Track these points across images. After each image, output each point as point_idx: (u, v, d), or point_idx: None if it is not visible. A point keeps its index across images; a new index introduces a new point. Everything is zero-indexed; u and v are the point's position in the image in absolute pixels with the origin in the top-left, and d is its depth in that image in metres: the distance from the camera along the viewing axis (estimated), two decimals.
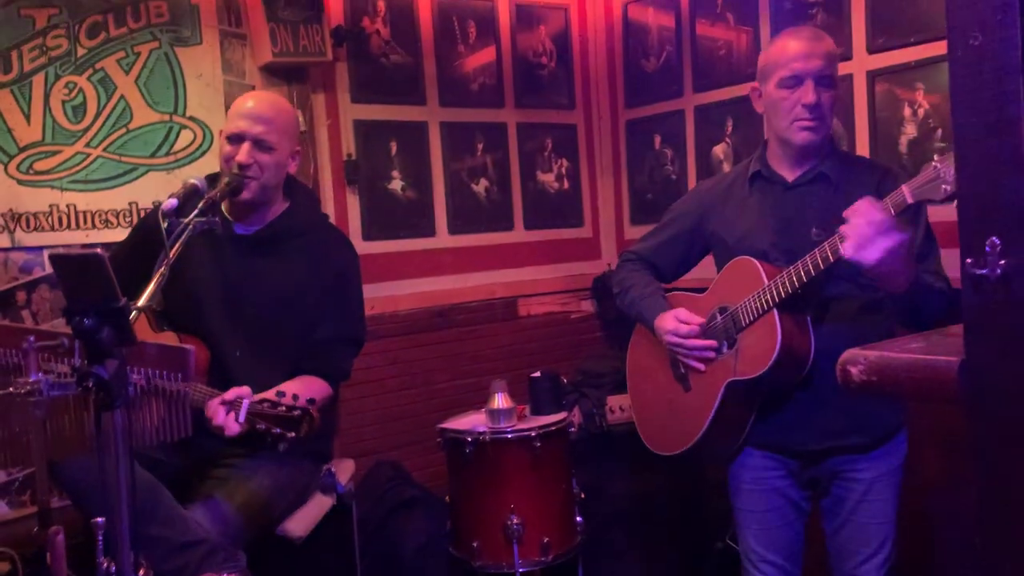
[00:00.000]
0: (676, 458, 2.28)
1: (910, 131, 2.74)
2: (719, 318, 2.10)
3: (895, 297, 1.84)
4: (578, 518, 2.70)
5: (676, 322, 2.15)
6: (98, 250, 1.35)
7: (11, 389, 1.52)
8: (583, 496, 2.73)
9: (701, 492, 3.07)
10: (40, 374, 1.54)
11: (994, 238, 0.96)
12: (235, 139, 2.18)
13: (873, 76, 2.81)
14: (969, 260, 0.96)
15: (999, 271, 0.91)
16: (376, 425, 3.24)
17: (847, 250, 1.74)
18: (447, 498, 2.71)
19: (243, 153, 2.16)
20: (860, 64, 2.84)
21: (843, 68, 2.85)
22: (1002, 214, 0.98)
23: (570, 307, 3.78)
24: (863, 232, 1.71)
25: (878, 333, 1.93)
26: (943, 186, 1.61)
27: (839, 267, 1.85)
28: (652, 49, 3.63)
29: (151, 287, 1.62)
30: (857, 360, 1.23)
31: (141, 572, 1.62)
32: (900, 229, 1.73)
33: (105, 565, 1.59)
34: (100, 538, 1.61)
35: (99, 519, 1.61)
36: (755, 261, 2.02)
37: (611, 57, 3.82)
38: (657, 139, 3.65)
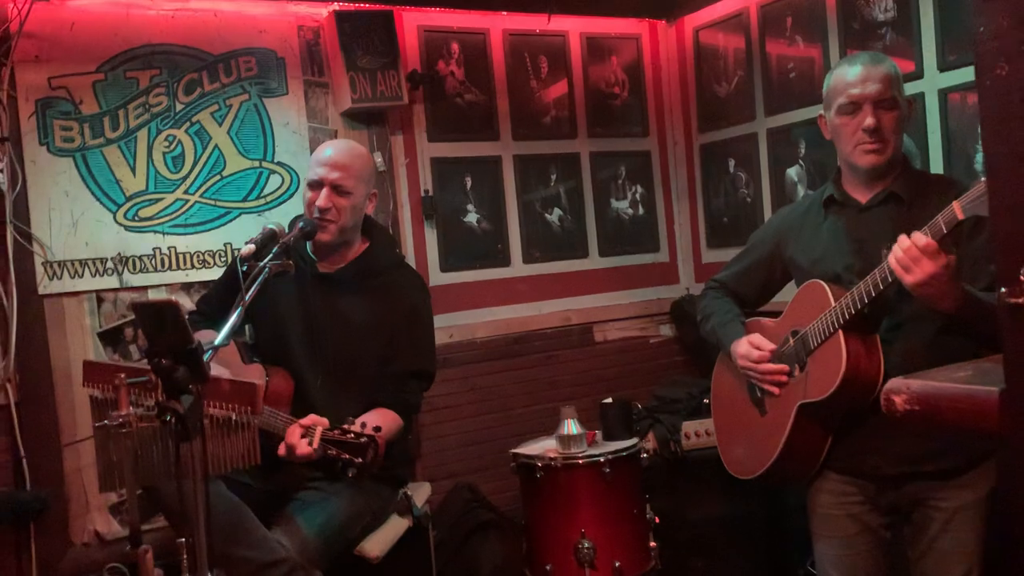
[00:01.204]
0: (755, 482, 2.30)
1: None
2: (791, 342, 2.13)
3: (949, 316, 1.83)
4: (652, 543, 2.73)
5: (749, 347, 2.21)
6: (174, 298, 1.51)
7: (106, 421, 1.70)
8: (657, 521, 2.75)
9: (781, 517, 3.03)
10: (130, 408, 1.72)
11: None
12: (315, 185, 2.37)
13: (945, 93, 2.75)
14: (1004, 289, 0.98)
15: None
16: (455, 449, 3.35)
17: (895, 269, 1.76)
18: (522, 522, 2.79)
19: (322, 198, 2.34)
20: (932, 82, 2.79)
21: (914, 86, 2.81)
22: None
23: (648, 332, 3.81)
24: (909, 254, 1.74)
25: (958, 354, 1.90)
26: None
27: (902, 289, 1.85)
28: (724, 73, 3.64)
29: (227, 328, 1.78)
30: (901, 390, 1.24)
31: None
32: (944, 252, 1.73)
33: None
34: (184, 556, 1.77)
35: (182, 539, 1.77)
36: (823, 284, 2.04)
37: (684, 83, 3.86)
38: (731, 162, 3.65)
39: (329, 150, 2.43)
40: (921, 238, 1.74)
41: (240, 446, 1.81)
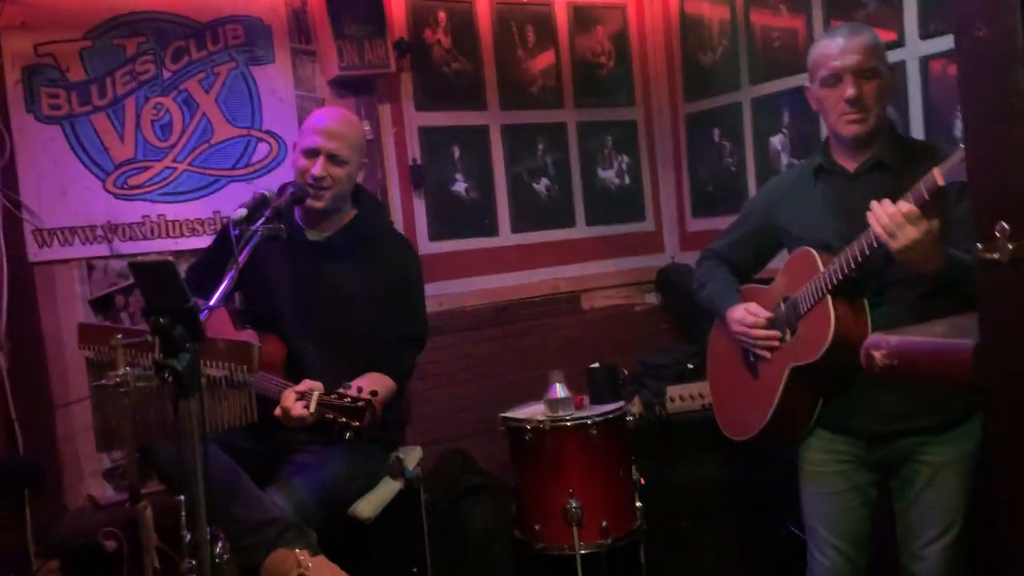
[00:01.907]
0: (750, 443, 2.36)
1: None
2: (782, 307, 2.18)
3: (935, 278, 1.88)
4: (638, 503, 2.80)
5: (744, 313, 2.26)
6: (169, 258, 1.54)
7: (103, 381, 1.73)
8: (643, 482, 2.81)
9: (764, 480, 3.10)
10: (127, 368, 1.75)
11: (1003, 223, 1.02)
12: (311, 153, 2.38)
13: (926, 61, 2.79)
14: (980, 245, 1.02)
15: (1008, 255, 0.95)
16: (446, 415, 3.40)
17: (880, 234, 1.81)
18: (511, 484, 2.84)
19: (319, 167, 2.35)
20: (913, 49, 2.83)
21: (896, 54, 2.85)
22: (1010, 199, 1.02)
23: (634, 300, 3.86)
24: (894, 219, 1.79)
25: (942, 315, 1.95)
26: None
27: (887, 254, 1.90)
28: (709, 42, 3.66)
29: (221, 289, 1.81)
30: (880, 345, 1.28)
31: (219, 544, 1.82)
32: (927, 218, 1.78)
33: (188, 537, 1.79)
34: (183, 513, 1.81)
35: (181, 496, 1.81)
36: (812, 251, 2.09)
37: (669, 52, 3.88)
38: (716, 132, 3.68)
39: (324, 118, 2.44)
40: (904, 205, 1.79)
41: (237, 405, 1.84)
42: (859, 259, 1.92)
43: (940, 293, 1.94)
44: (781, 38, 3.34)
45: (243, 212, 2.05)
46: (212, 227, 2.97)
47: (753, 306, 2.26)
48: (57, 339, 2.75)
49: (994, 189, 0.99)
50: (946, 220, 1.87)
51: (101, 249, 2.83)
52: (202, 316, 1.63)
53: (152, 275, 1.54)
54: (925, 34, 2.79)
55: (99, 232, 2.82)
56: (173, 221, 2.92)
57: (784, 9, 3.30)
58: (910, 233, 1.78)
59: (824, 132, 2.27)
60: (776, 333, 2.19)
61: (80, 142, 2.80)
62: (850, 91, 2.01)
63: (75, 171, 2.79)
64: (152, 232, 2.89)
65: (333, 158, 2.38)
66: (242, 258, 1.90)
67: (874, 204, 1.84)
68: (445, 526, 2.94)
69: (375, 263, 2.49)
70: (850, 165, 2.12)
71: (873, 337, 1.31)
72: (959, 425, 2.06)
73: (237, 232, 1.99)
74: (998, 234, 0.96)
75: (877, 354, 1.28)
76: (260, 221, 2.02)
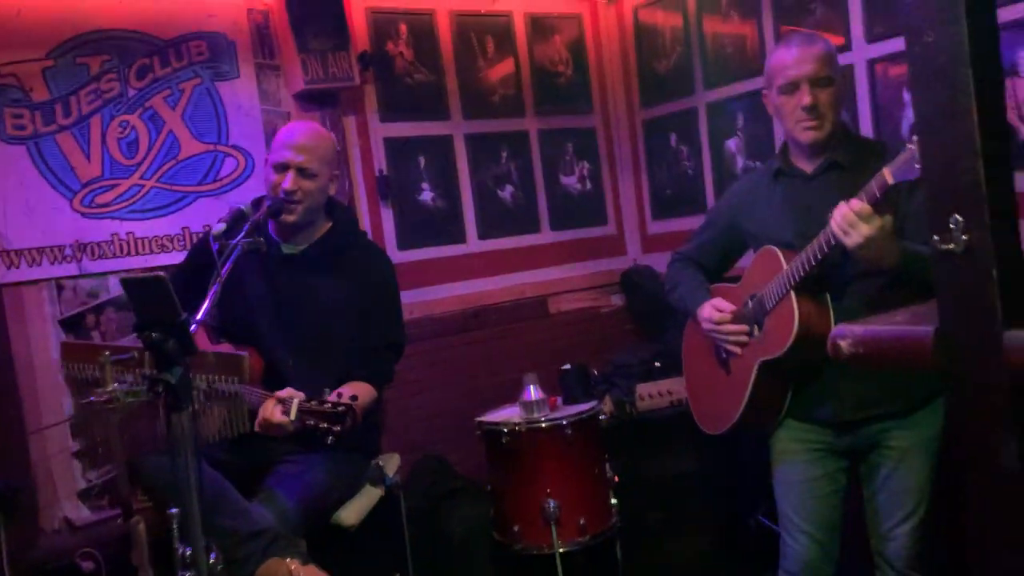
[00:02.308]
0: (711, 439, 2.44)
1: (910, 115, 2.85)
2: (749, 304, 2.27)
3: (892, 272, 1.98)
4: (613, 500, 2.86)
5: (712, 310, 2.34)
6: (161, 273, 1.56)
7: (92, 399, 1.74)
8: (617, 479, 2.88)
9: (733, 472, 3.20)
10: (115, 384, 1.77)
11: (956, 215, 1.10)
12: (280, 168, 2.41)
13: (872, 64, 2.92)
14: (936, 237, 1.10)
15: (962, 246, 1.00)
16: (420, 422, 3.43)
17: (836, 232, 1.91)
18: (488, 487, 2.89)
19: (289, 181, 2.38)
20: (860, 53, 2.96)
21: (844, 58, 2.97)
22: (961, 193, 1.10)
23: (600, 302, 3.94)
24: (847, 218, 1.88)
25: (901, 306, 2.04)
26: (916, 165, 1.75)
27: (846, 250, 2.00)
28: (664, 50, 3.77)
29: (206, 303, 1.83)
30: (845, 335, 1.35)
31: (212, 556, 1.83)
32: (879, 215, 1.88)
33: (181, 550, 1.81)
34: (175, 526, 1.83)
35: (173, 509, 1.82)
36: (776, 250, 2.18)
37: (625, 60, 3.98)
38: (673, 137, 3.79)
39: (293, 133, 2.47)
40: (856, 203, 1.89)
41: (228, 415, 1.87)
42: (818, 256, 2.01)
43: (898, 285, 2.04)
44: (733, 44, 3.45)
45: (222, 227, 2.08)
46: (182, 243, 2.97)
47: (719, 301, 2.35)
48: (28, 361, 2.73)
49: (947, 184, 1.04)
50: (899, 216, 1.98)
51: (70, 269, 2.81)
52: (192, 330, 1.65)
53: (144, 291, 1.57)
54: (871, 38, 2.92)
55: (67, 251, 2.81)
56: (142, 238, 2.92)
57: (735, 16, 3.42)
58: (863, 230, 1.87)
59: (779, 135, 2.36)
60: (744, 328, 2.27)
61: (46, 162, 2.78)
62: (806, 99, 2.11)
63: (41, 191, 2.78)
64: (121, 250, 2.88)
65: (303, 171, 2.41)
66: (224, 271, 1.92)
67: (840, 204, 1.92)
68: (425, 531, 2.98)
69: (351, 273, 2.52)
70: (807, 167, 2.22)
71: (839, 327, 1.37)
72: (921, 410, 2.16)
73: (217, 246, 2.01)
74: (952, 226, 1.01)
75: (843, 343, 1.34)
76: (240, 235, 2.04)
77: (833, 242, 1.96)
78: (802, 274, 2.06)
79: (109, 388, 1.73)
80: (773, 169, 2.30)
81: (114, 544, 2.79)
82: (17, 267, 2.73)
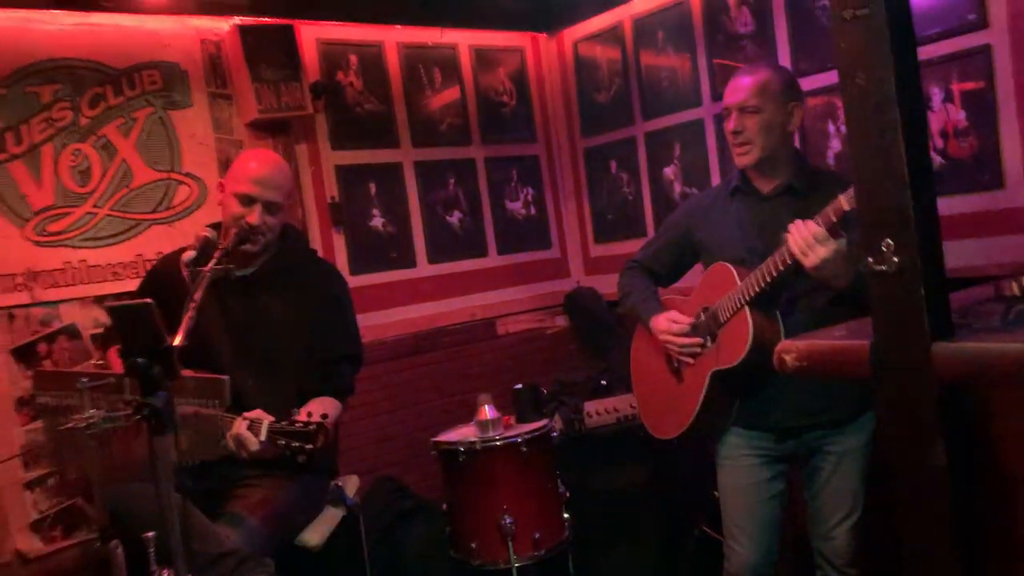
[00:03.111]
0: (656, 454, 2.56)
1: (835, 145, 3.07)
2: (703, 317, 2.40)
3: (844, 291, 2.09)
4: (565, 514, 2.96)
5: (668, 322, 2.47)
6: (148, 300, 1.61)
7: (71, 425, 1.77)
8: (568, 495, 2.99)
9: (677, 484, 3.33)
10: (94, 409, 1.79)
11: (888, 240, 1.22)
12: (247, 201, 2.42)
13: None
14: (871, 259, 1.23)
15: (894, 267, 1.11)
16: (373, 445, 3.48)
17: (795, 252, 2.03)
18: (444, 506, 2.95)
19: (255, 215, 2.41)
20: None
21: None
22: (892, 220, 1.23)
23: (545, 323, 4.06)
24: (806, 241, 2.01)
25: (842, 322, 2.20)
26: None
27: (799, 269, 2.13)
28: (603, 82, 3.95)
29: (182, 329, 1.87)
30: (790, 349, 1.47)
31: None
32: (835, 238, 2.02)
33: (157, 574, 1.84)
34: (151, 550, 1.86)
35: (150, 533, 1.85)
36: (729, 266, 2.31)
37: (566, 91, 4.14)
38: (613, 164, 3.96)
39: (260, 168, 2.47)
40: (813, 226, 2.02)
41: (210, 438, 1.91)
42: (774, 274, 2.14)
43: (842, 301, 2.19)
44: (668, 77, 3.64)
45: (192, 254, 2.12)
46: (135, 270, 2.98)
47: (675, 314, 2.48)
48: None
49: (879, 211, 1.15)
50: (853, 239, 2.14)
51: (21, 297, 2.79)
52: None
53: (130, 317, 1.61)
54: (797, 73, 3.12)
55: (19, 280, 2.79)
56: (95, 266, 2.92)
57: (670, 50, 3.62)
58: (820, 252, 2.00)
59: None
60: (699, 340, 2.40)
61: None
62: (730, 124, 2.30)
63: None
64: (74, 278, 2.88)
65: (269, 207, 2.45)
66: (198, 296, 1.96)
67: (795, 223, 2.06)
68: (383, 551, 3.03)
69: (302, 290, 2.56)
70: (764, 187, 2.37)
71: (784, 342, 1.49)
72: (856, 419, 2.34)
73: (188, 273, 2.05)
74: (884, 249, 1.12)
75: (788, 357, 1.46)
76: (212, 262, 2.09)
77: (790, 261, 2.08)
78: (757, 290, 2.19)
79: (87, 414, 1.75)
80: (731, 187, 2.44)
81: (67, 575, 2.76)
82: None
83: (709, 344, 2.39)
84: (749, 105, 2.30)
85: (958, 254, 2.49)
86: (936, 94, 2.77)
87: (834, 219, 2.00)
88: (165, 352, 1.63)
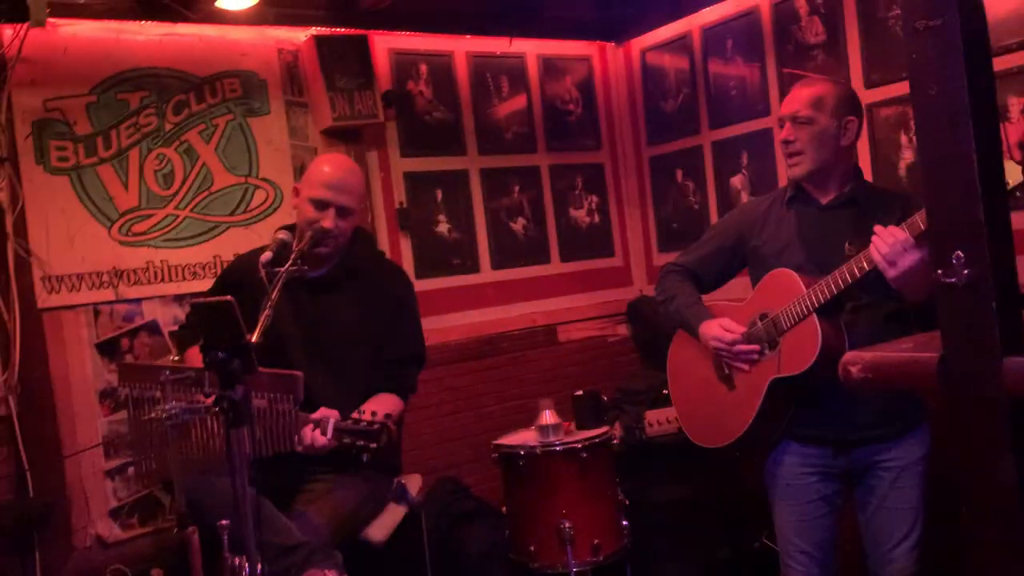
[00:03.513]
0: (717, 460, 2.53)
1: (908, 156, 3.03)
2: (759, 324, 2.36)
3: (917, 306, 2.05)
4: (624, 522, 2.97)
5: (721, 329, 2.42)
6: (229, 297, 1.68)
7: (153, 415, 1.86)
8: (627, 503, 2.99)
9: (738, 497, 3.30)
10: (175, 401, 1.88)
11: (959, 252, 1.22)
12: (321, 205, 2.49)
13: (870, 108, 3.10)
14: (940, 271, 1.22)
15: (965, 279, 1.10)
16: (434, 446, 3.55)
17: (879, 261, 1.99)
18: (503, 508, 2.99)
19: (329, 220, 2.47)
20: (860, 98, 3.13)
21: None
22: (963, 231, 1.22)
23: (607, 331, 4.08)
24: (894, 249, 1.96)
25: (902, 334, 2.17)
26: None
27: (868, 278, 2.10)
28: (670, 91, 3.95)
29: (260, 326, 1.95)
30: (856, 361, 1.47)
31: (259, 567, 1.94)
32: (920, 248, 1.95)
33: (231, 560, 1.91)
34: (225, 538, 1.93)
35: (224, 521, 1.93)
36: (793, 272, 2.28)
37: (632, 100, 4.16)
38: (679, 173, 3.96)
39: (339, 173, 2.52)
40: (901, 233, 1.97)
41: (281, 433, 1.98)
42: (849, 280, 2.11)
43: (901, 318, 2.17)
44: (737, 87, 3.63)
45: (269, 255, 2.20)
46: (212, 271, 3.10)
47: (727, 321, 2.43)
48: (65, 384, 2.84)
49: (949, 223, 1.14)
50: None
51: (107, 294, 2.93)
52: None
53: (212, 314, 1.69)
54: (869, 84, 3.10)
55: (105, 278, 2.93)
56: (175, 266, 3.04)
57: (739, 59, 3.61)
58: (907, 261, 1.95)
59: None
60: (756, 347, 2.37)
61: (87, 191, 2.91)
62: (783, 134, 2.30)
63: (82, 219, 2.90)
64: (155, 277, 3.01)
65: (342, 211, 2.51)
66: (275, 295, 2.04)
67: (878, 229, 2.00)
68: (443, 550, 3.08)
69: (372, 291, 2.63)
70: (823, 198, 2.34)
71: (850, 353, 1.48)
72: (911, 432, 2.30)
73: (265, 273, 2.14)
74: (954, 261, 1.10)
75: (854, 369, 1.44)
76: (288, 264, 2.17)
77: (868, 268, 2.05)
78: (827, 297, 2.15)
79: (169, 405, 1.84)
80: (789, 194, 2.41)
81: (143, 561, 2.88)
82: (58, 292, 2.85)
83: (767, 352, 2.37)
84: (801, 116, 2.28)
85: None
86: (1014, 104, 2.71)
87: (922, 226, 1.93)
88: (244, 348, 1.70)
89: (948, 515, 2.73)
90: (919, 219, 1.96)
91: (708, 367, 2.54)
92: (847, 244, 2.18)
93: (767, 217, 2.46)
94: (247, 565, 1.86)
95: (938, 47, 1.16)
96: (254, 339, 1.91)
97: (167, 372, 1.88)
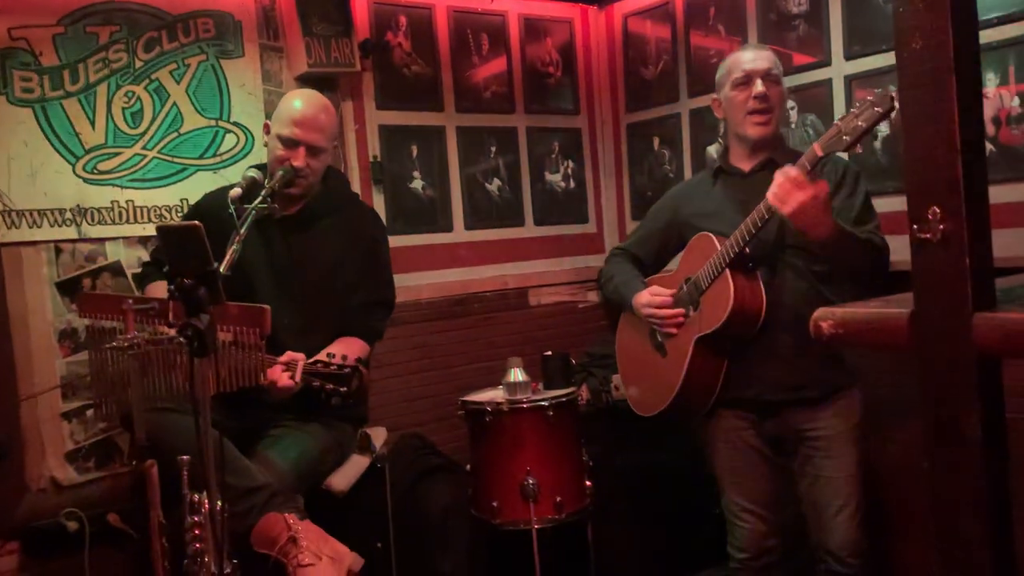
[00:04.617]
0: (658, 418, 2.59)
1: (884, 129, 3.04)
2: (684, 287, 2.44)
3: (823, 245, 2.15)
4: (587, 483, 2.98)
5: (650, 296, 2.52)
6: (197, 222, 1.64)
7: (114, 343, 1.81)
8: (591, 464, 3.00)
9: (698, 464, 3.33)
10: (137, 332, 1.84)
11: (935, 207, 1.23)
12: (290, 143, 2.45)
13: (850, 80, 3.11)
14: (915, 226, 1.23)
15: (939, 235, 1.11)
16: (401, 403, 3.52)
17: (772, 202, 2.08)
18: (468, 467, 2.99)
19: (299, 158, 2.44)
20: (839, 69, 3.14)
21: (823, 73, 3.17)
22: (940, 186, 1.23)
23: (577, 297, 4.07)
24: (783, 188, 2.07)
25: (821, 295, 2.24)
26: (844, 137, 1.97)
27: (787, 234, 2.19)
28: (650, 58, 3.93)
29: (227, 259, 1.92)
30: (827, 316, 1.48)
31: (219, 504, 1.91)
32: (814, 183, 2.06)
33: (190, 497, 1.88)
34: (185, 473, 1.90)
35: (184, 457, 1.90)
36: (710, 235, 2.38)
37: (612, 65, 4.13)
38: (656, 141, 3.95)
39: (305, 109, 2.48)
40: (792, 170, 2.07)
41: (246, 367, 1.95)
42: (752, 231, 2.20)
43: (822, 278, 2.27)
44: (718, 56, 3.61)
45: (238, 191, 2.16)
46: (179, 213, 3.03)
47: (655, 288, 2.54)
48: (23, 323, 2.76)
49: (927, 178, 1.13)
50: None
51: (69, 232, 2.85)
52: None
53: (179, 238, 1.65)
54: (849, 56, 3.10)
55: (68, 215, 2.85)
56: (141, 207, 2.97)
57: (721, 29, 3.59)
58: (799, 197, 2.04)
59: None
60: (681, 311, 2.45)
61: (51, 125, 2.82)
62: (760, 87, 2.32)
63: (45, 154, 2.81)
64: (120, 217, 2.93)
65: (312, 150, 2.47)
66: (244, 230, 2.01)
67: (775, 174, 2.12)
68: (406, 504, 3.06)
69: (343, 231, 2.60)
70: (746, 166, 2.43)
71: (821, 309, 1.49)
72: (840, 397, 2.35)
73: (234, 209, 2.09)
74: (931, 216, 1.09)
75: (824, 324, 1.45)
76: (257, 200, 2.13)
77: (767, 215, 2.13)
78: (737, 250, 2.24)
79: (131, 334, 1.80)
80: (713, 168, 2.52)
81: (98, 505, 2.83)
82: (18, 227, 2.76)
83: (692, 313, 2.42)
84: (773, 73, 2.36)
85: (1009, 244, 2.47)
86: (991, 79, 2.73)
87: (808, 167, 2.05)
88: (211, 275, 1.66)
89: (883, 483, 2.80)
90: (806, 159, 2.07)
91: (644, 339, 2.63)
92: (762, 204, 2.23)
93: (695, 192, 2.57)
94: (207, 502, 1.84)
95: (924, 1, 1.18)
96: (222, 270, 1.88)
97: (129, 301, 1.83)
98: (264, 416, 2.50)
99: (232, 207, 2.09)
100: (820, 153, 2.05)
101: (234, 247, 1.97)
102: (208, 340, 1.67)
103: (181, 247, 1.65)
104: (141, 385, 1.79)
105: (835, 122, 2.06)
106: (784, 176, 2.07)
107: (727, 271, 2.27)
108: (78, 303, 2.16)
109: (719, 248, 2.30)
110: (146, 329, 1.90)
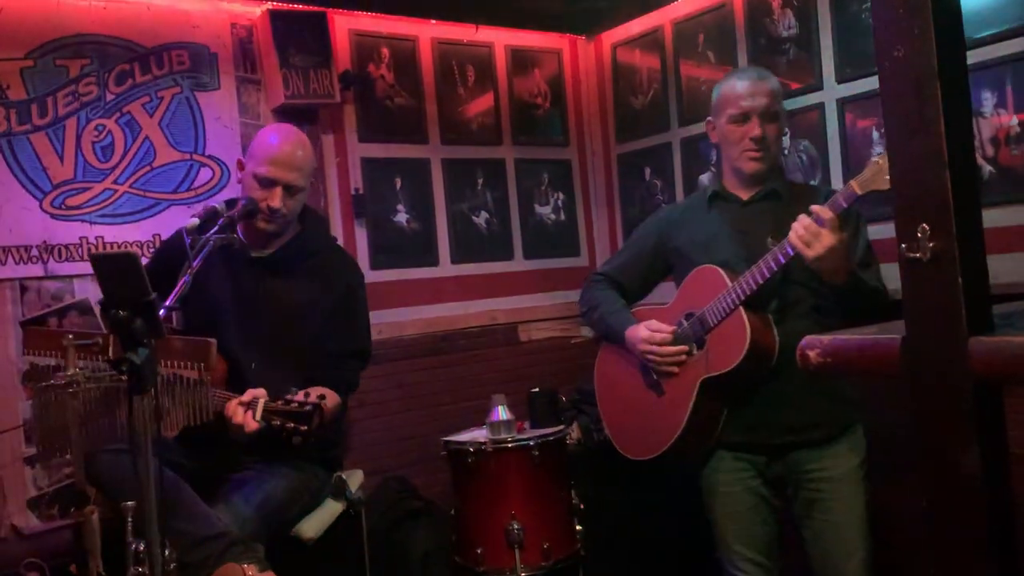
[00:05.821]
0: (653, 462, 2.42)
1: (880, 151, 2.93)
2: (685, 324, 2.27)
3: (836, 289, 2.03)
4: (578, 526, 2.83)
5: (648, 331, 2.32)
6: (132, 249, 1.54)
7: (52, 381, 1.70)
8: (582, 506, 2.85)
9: (697, 505, 3.18)
10: (77, 368, 1.72)
11: (924, 224, 1.12)
12: (267, 183, 2.34)
13: (842, 103, 3.01)
14: (904, 245, 1.12)
15: (929, 254, 1.02)
16: (384, 444, 3.39)
17: (796, 244, 1.95)
18: (452, 511, 2.84)
19: (276, 199, 2.33)
20: (830, 93, 3.05)
21: (815, 98, 3.08)
22: (928, 203, 1.13)
23: (570, 332, 3.94)
24: (810, 230, 1.94)
25: (827, 332, 2.09)
26: (886, 176, 1.82)
27: (793, 270, 2.06)
28: (640, 87, 3.85)
29: (176, 290, 1.81)
30: (814, 344, 1.37)
31: (166, 552, 1.78)
32: (839, 229, 1.94)
33: (134, 544, 1.76)
34: (129, 519, 1.77)
35: (129, 503, 1.77)
36: (717, 268, 2.21)
37: (602, 95, 4.05)
38: (647, 171, 3.85)
39: (281, 147, 2.37)
40: (825, 212, 1.93)
41: (193, 404, 1.83)
42: (772, 268, 2.05)
43: (827, 312, 2.13)
44: (708, 84, 3.53)
45: (196, 221, 2.06)
46: (151, 249, 2.93)
47: (654, 323, 2.34)
48: None
49: (915, 194, 1.06)
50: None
51: (35, 269, 2.76)
52: (160, 314, 1.62)
53: (114, 266, 1.54)
54: (841, 79, 3.01)
55: (34, 252, 2.76)
56: (111, 243, 2.88)
57: (711, 55, 3.51)
58: (826, 241, 1.92)
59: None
60: (684, 348, 2.27)
61: (18, 160, 2.75)
62: (756, 131, 2.20)
63: (11, 190, 2.74)
64: (89, 253, 2.84)
65: (290, 189, 2.37)
66: (196, 263, 1.90)
67: (802, 216, 1.98)
68: (384, 550, 2.92)
69: (319, 277, 2.49)
70: (744, 194, 2.29)
71: (808, 338, 1.39)
72: (844, 438, 2.21)
73: (190, 240, 1.99)
74: (919, 234, 1.03)
75: (812, 353, 1.35)
76: (214, 230, 2.03)
77: (791, 254, 2.00)
78: (753, 288, 2.09)
79: (71, 372, 1.69)
80: (708, 193, 2.35)
81: (61, 555, 2.70)
82: None
83: (695, 352, 2.25)
84: (772, 111, 2.23)
85: (1009, 269, 2.34)
86: (988, 99, 2.62)
87: (844, 205, 1.92)
88: (149, 305, 1.55)
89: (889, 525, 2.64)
90: (841, 197, 1.93)
91: (635, 375, 2.43)
92: (769, 239, 2.12)
93: (686, 217, 2.40)
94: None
95: (905, 5, 1.09)
96: (168, 303, 1.77)
97: (70, 336, 1.72)
98: (230, 458, 2.37)
99: (188, 238, 1.98)
100: (859, 192, 1.90)
101: (185, 279, 1.86)
102: (146, 376, 1.55)
103: (116, 276, 1.54)
104: (82, 425, 1.67)
105: (874, 158, 1.91)
106: (815, 218, 1.93)
107: (741, 309, 2.12)
108: (23, 339, 2.06)
109: (729, 284, 2.14)
110: (85, 366, 1.79)
